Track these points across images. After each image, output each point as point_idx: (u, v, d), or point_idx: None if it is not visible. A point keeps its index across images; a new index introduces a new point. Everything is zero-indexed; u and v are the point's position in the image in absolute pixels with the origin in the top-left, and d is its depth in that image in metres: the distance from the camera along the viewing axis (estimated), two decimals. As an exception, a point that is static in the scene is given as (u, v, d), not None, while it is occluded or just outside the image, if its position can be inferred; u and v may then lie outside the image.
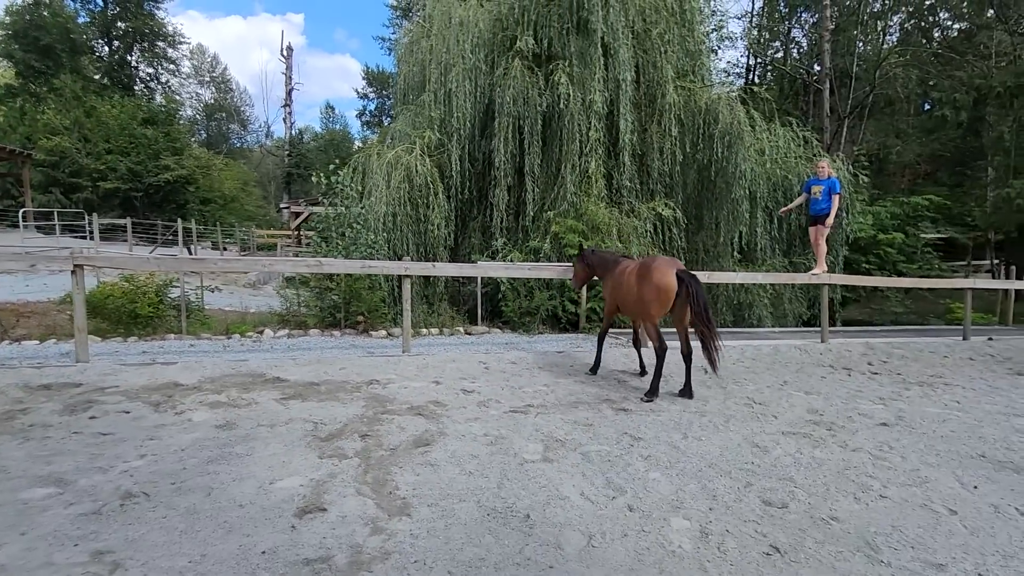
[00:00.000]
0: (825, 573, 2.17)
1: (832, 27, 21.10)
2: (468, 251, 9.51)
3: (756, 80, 27.07)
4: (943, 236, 19.77)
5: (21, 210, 20.78)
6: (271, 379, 4.76)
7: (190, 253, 20.64)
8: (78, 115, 29.58)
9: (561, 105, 8.77)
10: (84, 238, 21.09)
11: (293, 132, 41.08)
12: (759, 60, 27.31)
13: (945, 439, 3.84)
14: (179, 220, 21.18)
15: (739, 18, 26.95)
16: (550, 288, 8.36)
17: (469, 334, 7.99)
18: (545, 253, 8.45)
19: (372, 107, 45.12)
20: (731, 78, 26.90)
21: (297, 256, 18.79)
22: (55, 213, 20.40)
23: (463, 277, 8.87)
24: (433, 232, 8.82)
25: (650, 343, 4.76)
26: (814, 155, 10.00)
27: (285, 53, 37.79)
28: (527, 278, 7.94)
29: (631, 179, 9.37)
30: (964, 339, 8.61)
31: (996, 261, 19.92)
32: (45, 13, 34.24)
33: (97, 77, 37.37)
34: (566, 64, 9.08)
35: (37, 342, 6.40)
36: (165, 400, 4.07)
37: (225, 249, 27.90)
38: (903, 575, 2.18)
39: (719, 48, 23.08)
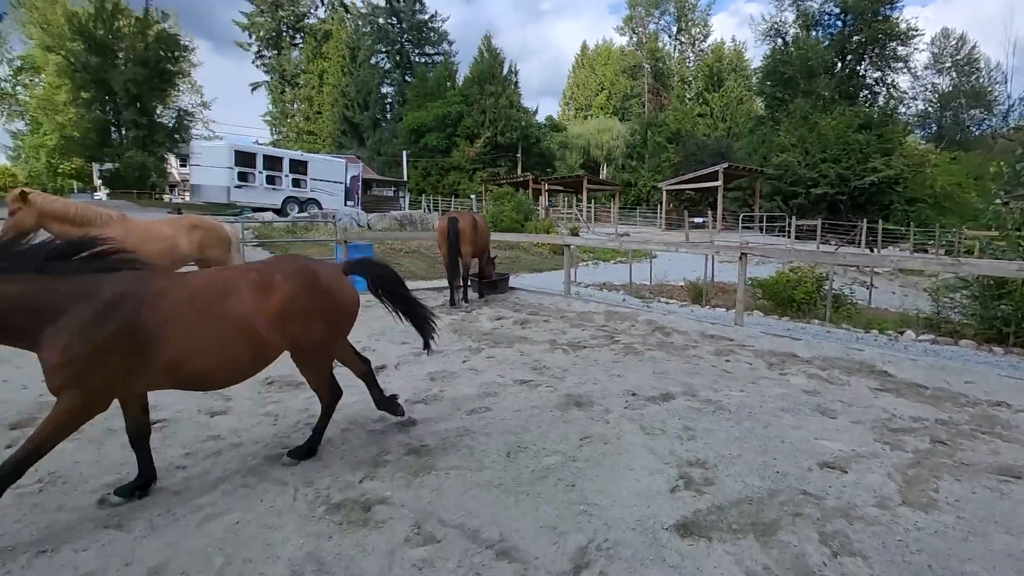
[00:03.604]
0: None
1: None
2: None
3: None
4: None
5: (740, 214, 27.13)
6: (879, 371, 4.88)
7: (871, 252, 20.55)
8: (803, 132, 34.37)
9: None
10: (785, 237, 25.08)
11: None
12: None
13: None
14: (863, 222, 21.42)
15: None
16: None
17: None
18: None
19: None
20: None
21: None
22: (763, 216, 25.26)
23: None
24: None
25: None
26: None
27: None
28: None
29: None
30: None
31: None
32: (791, 49, 41.32)
33: (826, 94, 41.57)
34: None
35: (724, 309, 8.83)
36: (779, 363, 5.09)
37: (924, 251, 25.69)
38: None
39: None
